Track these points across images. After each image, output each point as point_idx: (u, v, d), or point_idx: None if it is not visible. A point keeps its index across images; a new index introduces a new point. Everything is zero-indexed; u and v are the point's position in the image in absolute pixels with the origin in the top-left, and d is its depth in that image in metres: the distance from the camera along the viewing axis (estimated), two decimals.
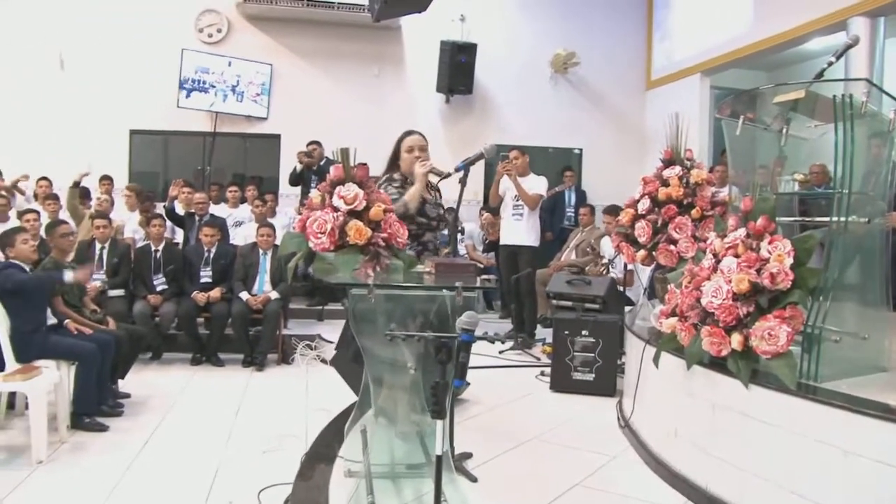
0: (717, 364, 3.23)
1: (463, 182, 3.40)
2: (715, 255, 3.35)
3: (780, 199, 3.46)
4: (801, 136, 3.64)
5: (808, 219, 3.51)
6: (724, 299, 3.09)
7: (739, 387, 3.07)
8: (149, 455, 4.10)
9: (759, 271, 3.04)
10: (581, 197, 10.06)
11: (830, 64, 3.49)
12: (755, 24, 8.42)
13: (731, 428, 3.16)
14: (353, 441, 3.73)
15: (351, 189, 2.86)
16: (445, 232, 4.37)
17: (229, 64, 9.82)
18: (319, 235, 2.79)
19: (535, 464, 3.94)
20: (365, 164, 3.06)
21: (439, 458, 2.31)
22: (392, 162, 4.14)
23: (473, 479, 3.59)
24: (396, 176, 4.05)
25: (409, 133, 4.14)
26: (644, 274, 6.69)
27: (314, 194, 2.95)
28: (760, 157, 3.63)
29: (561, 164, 10.50)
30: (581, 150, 10.99)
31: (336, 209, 2.83)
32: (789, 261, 2.98)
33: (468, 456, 3.86)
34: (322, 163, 8.61)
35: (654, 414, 3.93)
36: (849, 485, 2.61)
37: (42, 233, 5.97)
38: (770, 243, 3.07)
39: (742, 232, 3.22)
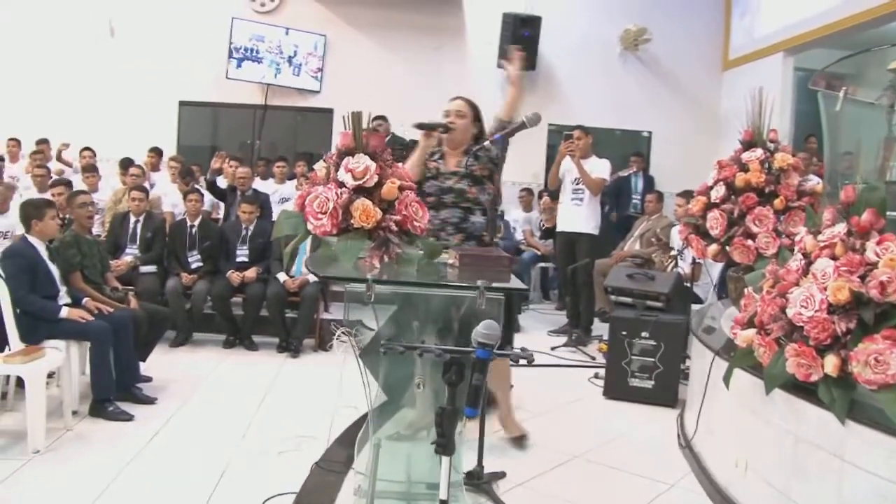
0: (803, 388, 2.64)
1: (501, 157, 2.89)
2: (805, 256, 2.75)
3: (889, 189, 2.84)
4: None
5: None
6: (816, 311, 2.50)
7: (831, 420, 2.48)
8: (154, 449, 3.75)
9: (863, 278, 2.44)
10: (649, 183, 9.40)
11: None
12: None
13: (818, 470, 2.57)
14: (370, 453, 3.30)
15: (361, 161, 2.37)
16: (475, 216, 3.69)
17: (286, 32, 9.42)
18: (320, 216, 2.32)
19: (576, 489, 3.42)
20: (379, 132, 2.57)
21: (443, 503, 1.81)
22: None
23: None
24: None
25: (454, 98, 3.78)
26: (714, 269, 6.09)
27: (319, 166, 2.47)
28: (865, 139, 3.01)
29: (628, 148, 9.84)
30: (650, 133, 10.29)
31: (341, 185, 2.35)
32: None
33: (500, 476, 3.37)
34: (387, 139, 8.16)
35: (720, 439, 3.36)
36: None
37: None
38: (879, 244, 2.47)
39: (842, 228, 2.62)
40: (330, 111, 9.72)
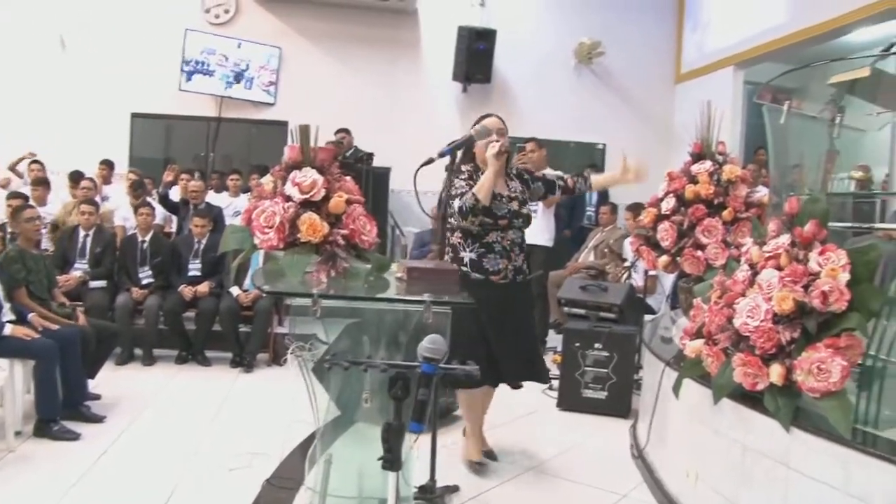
0: (750, 397, 2.67)
1: (449, 169, 2.88)
2: (752, 266, 2.79)
3: (832, 200, 2.90)
4: (856, 126, 3.09)
5: (867, 225, 2.95)
6: (762, 321, 2.54)
7: (776, 429, 2.51)
8: (101, 469, 3.65)
9: (806, 288, 2.48)
10: (603, 195, 9.47)
11: None
12: (794, 13, 7.78)
13: (765, 478, 2.60)
14: (320, 468, 3.26)
15: (308, 175, 2.34)
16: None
17: (239, 46, 9.33)
18: (266, 230, 2.29)
19: (530, 502, 3.43)
20: (331, 146, 2.55)
21: None
22: (465, 151, 3.58)
23: None
24: (465, 167, 3.55)
25: (486, 116, 3.66)
26: (667, 280, 6.15)
27: (266, 180, 2.44)
28: (808, 151, 3.07)
29: (583, 160, 9.93)
30: (604, 145, 10.40)
31: (288, 199, 2.32)
32: (845, 276, 2.43)
33: (453, 490, 3.36)
34: (350, 152, 8.09)
35: (671, 449, 3.38)
36: None
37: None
38: (821, 254, 2.52)
39: (786, 239, 2.66)
40: (284, 124, 9.63)
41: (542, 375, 3.77)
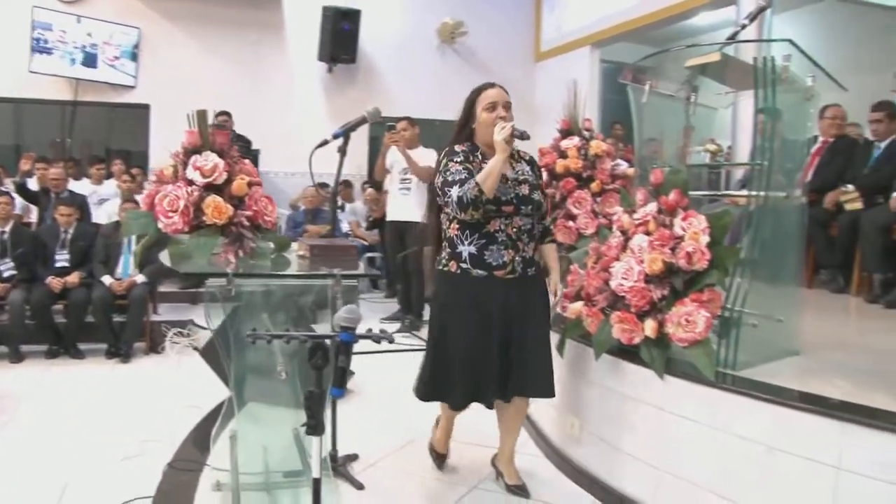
0: (626, 351, 2.97)
1: (342, 151, 2.97)
2: (623, 233, 3.08)
3: (690, 171, 3.23)
4: (709, 104, 3.42)
5: (721, 193, 3.30)
6: (635, 281, 2.82)
7: (651, 377, 2.82)
8: None
9: (673, 250, 2.78)
10: None
11: (744, 27, 3.27)
12: None
13: (643, 422, 2.91)
14: (223, 448, 3.30)
15: (209, 159, 2.39)
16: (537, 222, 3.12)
17: (78, 21, 8.81)
18: (170, 214, 2.33)
19: (425, 464, 3.59)
20: (224, 129, 2.60)
21: (317, 481, 1.91)
22: (462, 127, 3.16)
23: (360, 487, 3.23)
24: (459, 148, 3.05)
25: (487, 86, 3.12)
26: None
27: (166, 165, 2.47)
28: (668, 127, 3.39)
29: (449, 137, 10.15)
30: None
31: (191, 183, 2.37)
32: (705, 238, 2.74)
33: (353, 458, 3.50)
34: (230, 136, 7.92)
35: (555, 404, 3.64)
36: (773, 483, 2.39)
37: None
38: (684, 220, 2.82)
39: (653, 207, 2.95)
40: (146, 107, 9.34)
41: (549, 389, 3.06)
